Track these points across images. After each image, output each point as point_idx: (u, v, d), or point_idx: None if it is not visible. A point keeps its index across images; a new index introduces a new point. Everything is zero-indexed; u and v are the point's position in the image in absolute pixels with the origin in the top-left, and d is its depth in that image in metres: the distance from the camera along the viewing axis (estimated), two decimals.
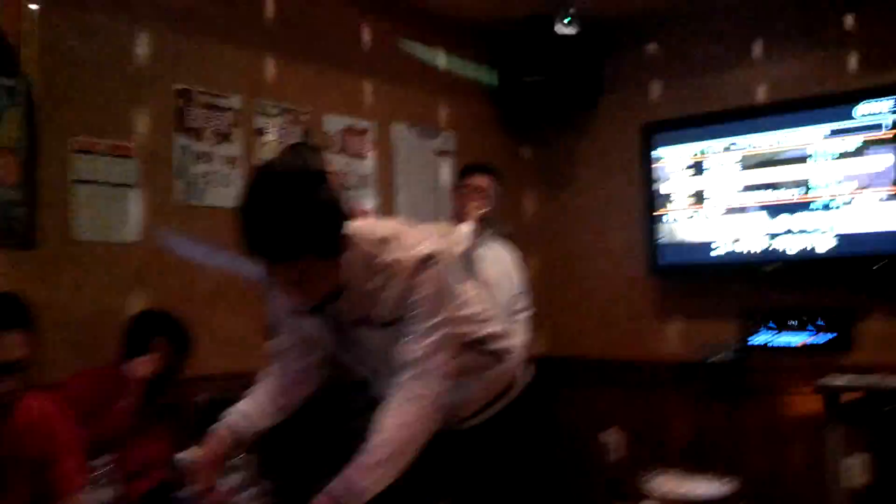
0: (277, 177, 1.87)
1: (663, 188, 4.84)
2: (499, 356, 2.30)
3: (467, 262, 3.84)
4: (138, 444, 2.97)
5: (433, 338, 1.95)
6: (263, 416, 2.21)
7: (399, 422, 1.89)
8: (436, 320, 1.97)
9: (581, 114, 5.29)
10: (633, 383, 5.00)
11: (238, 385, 3.78)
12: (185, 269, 3.88)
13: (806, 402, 4.19)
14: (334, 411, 3.19)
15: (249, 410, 2.20)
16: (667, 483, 1.41)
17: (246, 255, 1.85)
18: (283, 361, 2.26)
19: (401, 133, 4.83)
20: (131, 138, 3.76)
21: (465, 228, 3.86)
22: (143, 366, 2.96)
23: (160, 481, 3.00)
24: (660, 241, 4.84)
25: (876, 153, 4.17)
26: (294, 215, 1.81)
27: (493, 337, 2.30)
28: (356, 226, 1.99)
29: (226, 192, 4.06)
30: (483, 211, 3.94)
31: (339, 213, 1.90)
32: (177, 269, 3.85)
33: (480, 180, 4.03)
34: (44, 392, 2.54)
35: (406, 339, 1.95)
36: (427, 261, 1.99)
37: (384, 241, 2.01)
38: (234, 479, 2.21)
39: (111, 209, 3.67)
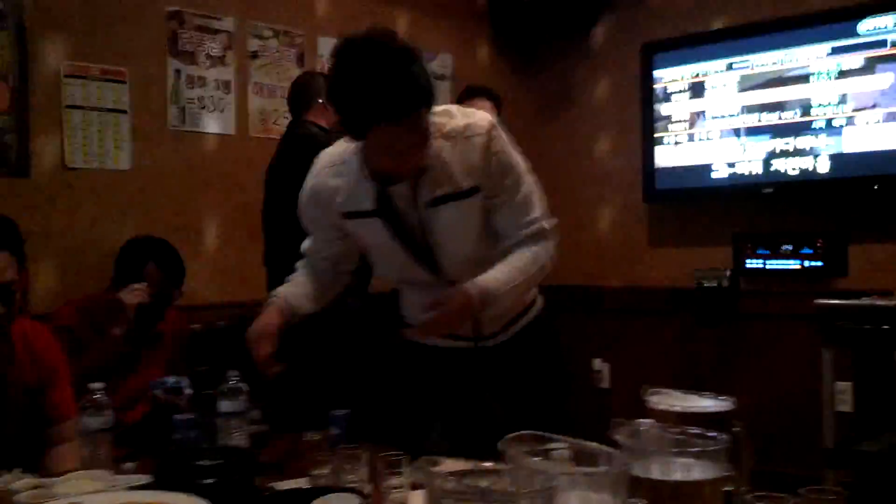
0: (372, 40, 1.87)
1: (663, 110, 4.78)
2: None
3: None
4: (131, 372, 2.99)
5: (537, 194, 2.15)
6: (307, 302, 2.29)
7: (522, 262, 2.12)
8: (531, 179, 2.14)
9: (580, 34, 5.20)
10: (626, 310, 5.02)
11: (229, 315, 3.84)
12: (179, 197, 3.87)
13: (799, 327, 4.22)
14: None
15: (297, 292, 2.28)
16: (665, 400, 1.43)
17: (359, 123, 1.88)
18: (315, 265, 2.32)
19: None
20: (124, 62, 3.71)
21: None
22: (134, 293, 2.96)
23: (152, 408, 3.03)
24: (657, 166, 4.80)
25: (880, 71, 4.10)
26: (407, 66, 1.84)
27: None
28: None
29: (220, 117, 4.03)
30: None
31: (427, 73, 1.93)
32: (169, 197, 3.84)
33: (482, 104, 3.97)
34: (35, 320, 2.54)
35: (511, 203, 2.09)
36: (494, 126, 2.09)
37: (447, 112, 2.07)
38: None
39: (104, 136, 3.64)
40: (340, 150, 2.19)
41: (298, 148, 3.31)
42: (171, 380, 2.72)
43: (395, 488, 1.66)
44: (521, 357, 2.35)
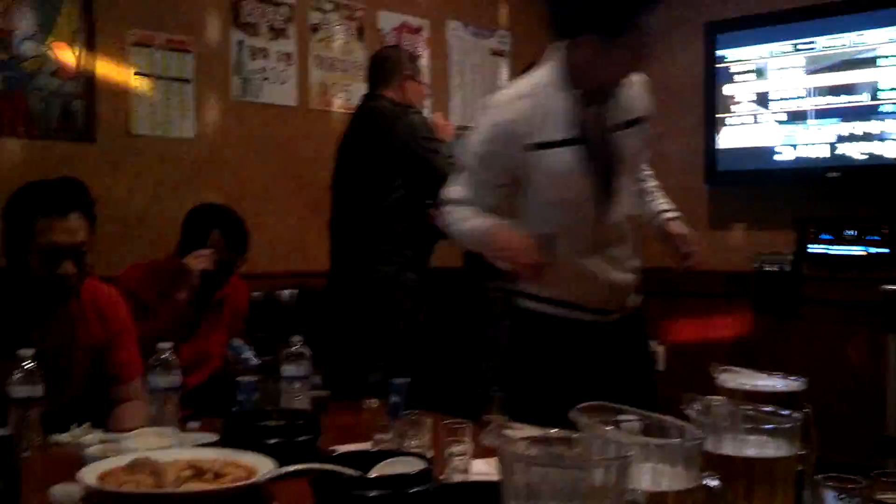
0: None
1: (726, 91, 4.71)
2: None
3: None
4: (192, 337, 3.03)
5: None
6: None
7: None
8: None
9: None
10: (684, 292, 4.96)
11: (287, 284, 3.89)
12: (240, 167, 3.92)
13: (862, 314, 4.14)
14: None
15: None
16: (735, 378, 1.41)
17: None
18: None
19: (456, 31, 4.75)
20: (189, 32, 3.75)
21: None
22: (199, 259, 2.99)
23: (214, 372, 3.09)
24: (719, 147, 4.73)
25: None
26: None
27: None
28: None
29: (281, 88, 4.06)
30: None
31: None
32: (231, 166, 3.89)
33: None
34: (103, 281, 2.59)
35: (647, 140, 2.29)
36: None
37: None
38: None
39: (169, 104, 3.69)
40: (522, 85, 2.26)
41: (372, 121, 3.34)
42: (239, 343, 2.76)
43: (458, 455, 1.67)
44: (632, 337, 2.43)
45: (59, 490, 1.00)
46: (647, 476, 1.10)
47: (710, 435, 1.22)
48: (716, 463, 1.20)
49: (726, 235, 4.87)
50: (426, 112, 3.69)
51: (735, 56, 4.67)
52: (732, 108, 4.69)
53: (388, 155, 3.26)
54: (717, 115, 4.74)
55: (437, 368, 3.79)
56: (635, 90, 2.29)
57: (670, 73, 5.06)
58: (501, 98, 2.28)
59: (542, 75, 2.21)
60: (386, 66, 3.48)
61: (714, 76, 4.74)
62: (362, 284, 3.27)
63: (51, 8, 3.35)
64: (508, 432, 1.01)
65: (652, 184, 2.50)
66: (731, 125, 4.70)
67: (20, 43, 3.29)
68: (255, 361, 2.62)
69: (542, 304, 2.33)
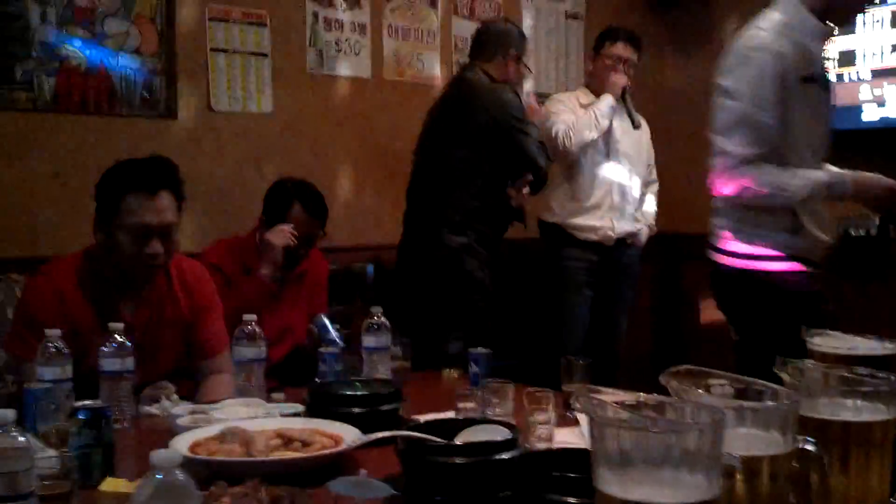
0: None
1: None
2: None
3: (605, 136, 3.77)
4: (274, 311, 3.07)
5: None
6: None
7: None
8: None
9: None
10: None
11: (363, 257, 3.91)
12: (316, 140, 3.94)
13: None
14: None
15: None
16: (828, 342, 1.36)
17: None
18: None
19: None
20: (264, 5, 3.77)
21: (606, 105, 3.74)
22: (281, 234, 3.02)
23: (297, 345, 3.13)
24: None
25: None
26: None
27: None
28: None
29: (356, 60, 4.06)
30: (625, 86, 3.80)
31: None
32: (308, 139, 3.92)
33: (625, 51, 3.86)
34: (192, 259, 2.63)
35: None
36: None
37: None
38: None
39: (246, 79, 3.73)
40: (778, 17, 2.35)
41: (464, 93, 3.33)
42: (325, 321, 2.79)
43: (542, 423, 1.66)
44: None
45: (159, 455, 1.02)
46: (741, 441, 1.07)
47: (804, 399, 1.19)
48: (811, 427, 1.17)
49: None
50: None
51: None
52: None
53: (476, 129, 3.24)
54: None
55: (516, 338, 3.79)
56: None
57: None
58: (763, 39, 2.34)
59: (785, 14, 2.33)
60: (491, 40, 3.46)
61: None
62: (432, 252, 3.27)
63: None
64: (600, 396, 0.99)
65: None
66: None
67: (103, 21, 3.35)
68: (340, 343, 2.64)
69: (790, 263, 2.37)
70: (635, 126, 3.88)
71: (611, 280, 3.92)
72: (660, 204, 4.22)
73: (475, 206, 3.26)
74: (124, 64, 3.41)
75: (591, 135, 3.70)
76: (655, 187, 4.15)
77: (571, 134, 3.67)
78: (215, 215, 3.58)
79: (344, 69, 4.03)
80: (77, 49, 3.31)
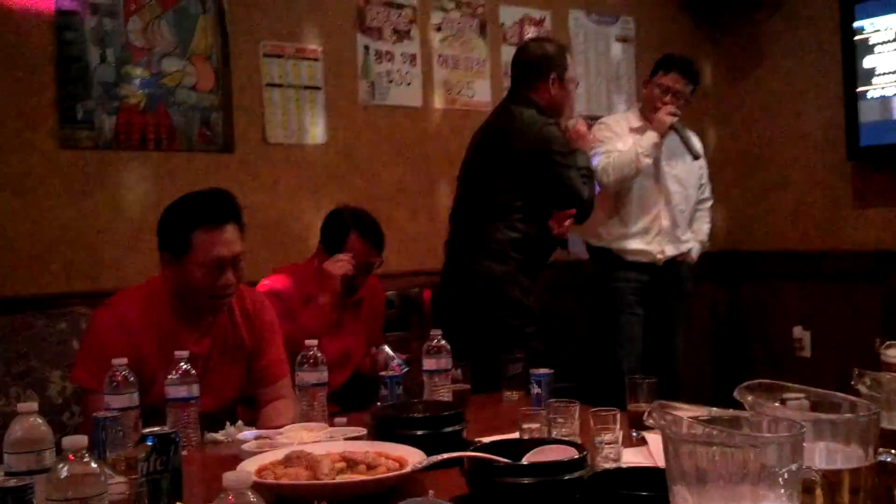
0: None
1: (867, 63, 4.48)
2: None
3: (655, 160, 3.74)
4: (334, 338, 3.09)
5: None
6: None
7: None
8: None
9: None
10: (829, 274, 4.76)
11: (418, 283, 3.92)
12: (370, 169, 3.98)
13: None
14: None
15: None
16: None
17: None
18: None
19: (578, 20, 4.69)
20: (316, 41, 3.83)
21: (649, 142, 3.69)
22: (340, 264, 3.04)
23: (356, 370, 3.14)
24: (862, 122, 4.51)
25: None
26: None
27: None
28: None
29: (407, 90, 4.10)
30: (675, 120, 3.75)
31: None
32: (362, 169, 3.95)
33: (677, 82, 3.79)
34: (252, 288, 2.66)
35: None
36: None
37: None
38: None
39: (301, 112, 3.78)
40: None
41: (507, 125, 3.29)
42: (389, 351, 2.80)
43: (609, 443, 1.64)
44: None
45: (231, 477, 1.03)
46: (820, 455, 1.05)
47: (883, 411, 1.16)
48: (891, 439, 1.14)
49: (872, 213, 4.63)
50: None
51: (874, 26, 4.44)
52: (874, 80, 4.46)
53: (516, 163, 3.22)
54: (857, 90, 4.51)
55: (571, 360, 3.76)
56: None
57: (805, 49, 4.86)
58: None
59: None
60: (529, 67, 3.36)
61: (853, 49, 4.51)
62: (474, 280, 3.26)
63: (187, 24, 3.49)
64: (674, 412, 0.98)
65: None
66: (872, 98, 4.47)
67: (160, 59, 3.44)
68: (405, 369, 2.65)
69: None
70: (694, 157, 3.85)
71: (663, 298, 3.88)
72: (718, 222, 4.17)
73: (515, 237, 3.24)
74: (181, 101, 3.48)
75: (631, 173, 3.67)
76: (709, 204, 4.10)
77: (610, 170, 3.65)
78: (272, 245, 3.63)
79: (395, 99, 4.07)
80: (135, 88, 3.39)
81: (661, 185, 3.83)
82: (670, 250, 3.84)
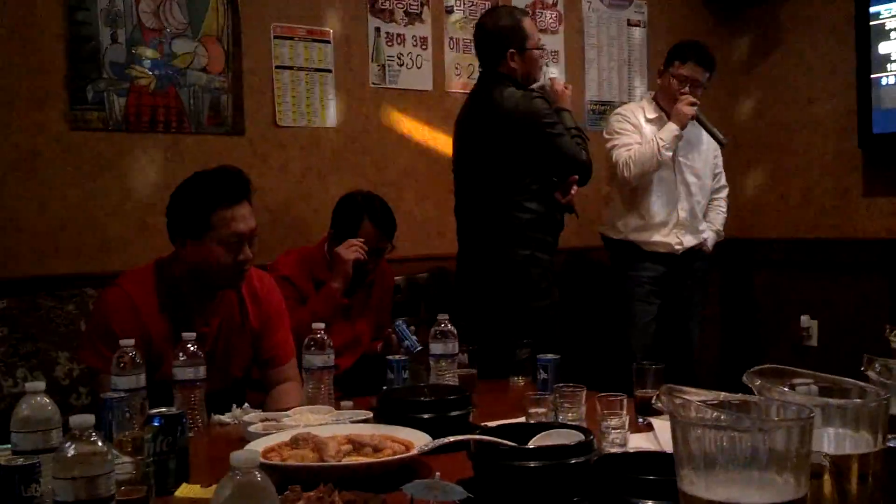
0: None
1: (882, 49, 4.44)
2: None
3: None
4: (344, 322, 3.09)
5: None
6: None
7: None
8: None
9: None
10: (839, 263, 4.73)
11: (427, 268, 3.92)
12: (380, 153, 3.97)
13: None
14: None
15: None
16: None
17: None
18: None
19: (591, 4, 4.66)
20: (327, 23, 3.82)
21: (669, 135, 3.66)
22: (352, 249, 3.04)
23: (363, 354, 3.15)
24: (875, 109, 4.47)
25: None
26: None
27: None
28: None
29: (418, 73, 4.08)
30: (696, 110, 3.72)
31: None
32: (372, 152, 3.94)
33: (694, 71, 3.75)
34: (260, 270, 2.66)
35: None
36: None
37: None
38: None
39: (311, 95, 3.77)
40: None
41: (492, 108, 3.25)
42: (404, 327, 2.80)
43: (616, 428, 1.64)
44: None
45: (239, 456, 1.03)
46: (829, 440, 1.04)
47: (892, 397, 1.15)
48: None
49: (882, 202, 4.60)
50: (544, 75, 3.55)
51: (891, 11, 4.39)
52: (889, 66, 4.42)
53: (511, 144, 3.19)
54: (872, 76, 4.47)
55: (583, 345, 3.76)
56: None
57: (819, 34, 4.82)
58: None
59: None
60: (491, 42, 3.30)
61: (868, 34, 4.47)
62: (497, 267, 3.24)
63: (199, 6, 3.48)
64: (683, 396, 0.97)
65: None
66: (887, 85, 4.43)
67: (171, 41, 3.43)
68: (418, 347, 2.65)
69: None
70: (720, 143, 3.82)
71: (679, 288, 3.87)
72: (730, 210, 4.15)
73: (528, 218, 3.23)
74: (192, 82, 3.47)
75: (653, 167, 3.65)
76: (724, 192, 4.07)
77: (632, 164, 3.63)
78: (281, 228, 3.63)
79: (406, 82, 4.05)
80: (146, 69, 3.38)
81: (679, 177, 3.81)
82: (689, 241, 3.83)
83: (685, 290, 3.89)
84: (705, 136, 3.88)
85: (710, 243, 3.94)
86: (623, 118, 3.82)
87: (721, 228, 4.02)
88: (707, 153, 3.92)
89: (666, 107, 3.76)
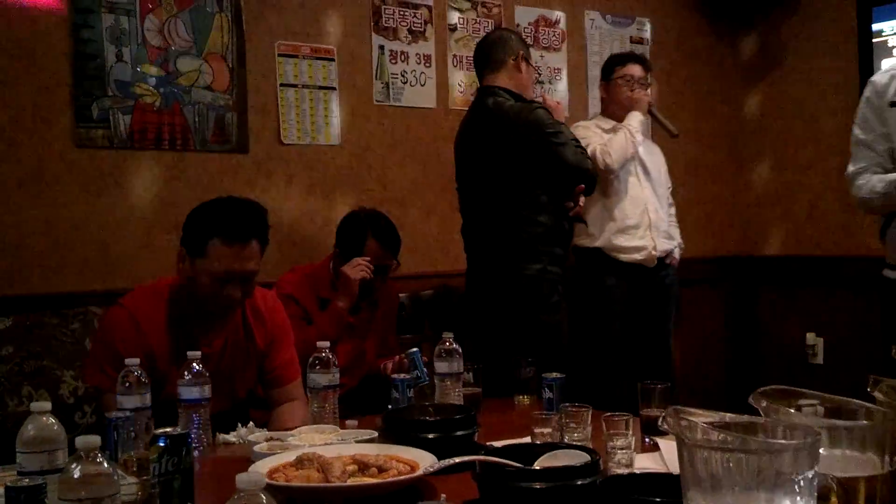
0: None
1: (884, 65, 4.44)
2: None
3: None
4: (348, 340, 3.09)
5: None
6: None
7: None
8: None
9: None
10: (845, 280, 4.72)
11: (431, 285, 3.92)
12: (384, 171, 3.98)
13: None
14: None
15: None
16: None
17: None
18: None
19: (594, 21, 4.68)
20: (331, 41, 3.83)
21: (636, 120, 3.71)
22: (358, 268, 3.05)
23: (368, 372, 3.14)
24: None
25: None
26: None
27: None
28: None
29: (422, 91, 4.10)
30: (650, 102, 3.80)
31: None
32: (376, 170, 3.95)
33: (638, 71, 3.85)
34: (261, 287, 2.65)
35: None
36: None
37: None
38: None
39: (315, 112, 3.78)
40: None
41: (494, 121, 3.26)
42: (418, 356, 2.78)
43: (622, 448, 1.63)
44: None
45: (244, 478, 1.03)
46: (836, 462, 1.04)
47: None
48: None
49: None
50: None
51: (893, 29, 4.41)
52: None
53: (518, 156, 3.20)
54: None
55: (586, 363, 3.74)
56: None
57: (822, 51, 4.83)
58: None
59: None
60: (494, 49, 3.38)
61: (871, 51, 4.48)
62: (508, 283, 3.24)
63: (204, 23, 3.50)
64: (689, 418, 0.97)
65: None
66: None
67: (175, 59, 3.44)
68: (425, 381, 2.63)
69: None
70: (673, 135, 3.86)
71: (652, 302, 3.85)
72: (732, 227, 4.15)
73: (539, 231, 3.23)
74: (196, 100, 3.49)
75: (630, 150, 3.69)
76: (674, 210, 4.10)
77: (610, 150, 3.64)
78: (286, 246, 3.63)
79: (410, 100, 4.06)
80: (151, 87, 3.40)
81: (642, 181, 3.84)
82: (662, 245, 3.81)
83: (658, 304, 3.87)
84: (655, 148, 3.96)
85: (677, 255, 3.95)
86: (584, 128, 3.84)
87: (682, 241, 4.04)
88: (660, 164, 3.98)
89: (616, 115, 3.81)
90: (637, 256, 3.77)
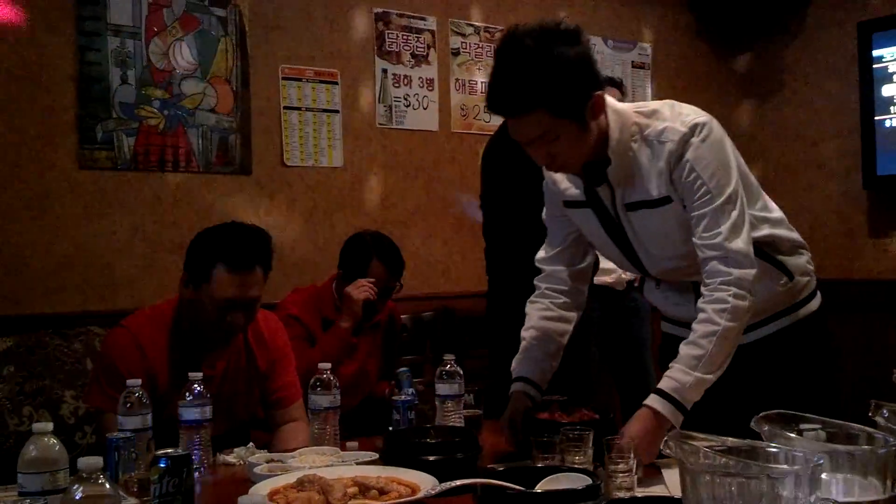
0: (521, 32, 1.81)
1: (885, 91, 4.47)
2: (783, 266, 2.17)
3: None
4: (351, 361, 3.09)
5: (728, 221, 1.84)
6: (545, 363, 2.23)
7: (712, 326, 1.79)
8: (723, 197, 1.86)
9: (789, 15, 4.95)
10: (845, 305, 4.71)
11: (433, 307, 3.92)
12: (386, 193, 3.99)
13: None
14: None
15: (532, 365, 2.21)
16: None
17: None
18: (551, 283, 2.28)
19: (596, 46, 4.70)
20: (335, 64, 3.86)
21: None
22: (362, 290, 3.05)
23: (370, 393, 3.14)
24: (879, 150, 4.49)
25: None
26: (526, 65, 1.76)
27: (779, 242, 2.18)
28: (627, 104, 1.96)
29: (424, 114, 4.12)
30: None
31: (581, 71, 1.81)
32: (378, 192, 3.97)
33: (612, 92, 3.81)
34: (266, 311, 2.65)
35: (699, 224, 1.85)
36: (698, 129, 1.89)
37: (655, 113, 1.93)
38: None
39: (318, 135, 3.81)
40: None
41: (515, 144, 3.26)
42: (405, 376, 2.77)
43: (623, 472, 1.63)
44: (777, 360, 2.12)
45: (246, 500, 1.03)
46: (838, 487, 1.04)
47: None
48: None
49: (888, 242, 4.61)
50: None
51: (893, 55, 4.44)
52: (892, 108, 4.45)
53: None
54: (875, 118, 4.50)
55: (592, 386, 3.72)
56: (653, 169, 1.90)
57: (823, 77, 4.86)
58: None
59: None
60: None
61: (871, 77, 4.51)
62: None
63: (208, 47, 3.53)
64: (691, 442, 0.97)
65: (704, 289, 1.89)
66: (890, 127, 4.46)
67: (180, 81, 3.47)
68: (413, 402, 2.62)
69: (667, 324, 2.25)
70: None
71: (625, 325, 3.81)
72: None
73: None
74: (201, 123, 3.51)
75: None
76: None
77: None
78: (288, 267, 3.63)
79: (412, 123, 4.09)
80: (155, 109, 3.42)
81: None
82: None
83: (630, 327, 3.84)
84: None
85: None
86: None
87: None
88: None
89: None
90: (606, 279, 3.74)
